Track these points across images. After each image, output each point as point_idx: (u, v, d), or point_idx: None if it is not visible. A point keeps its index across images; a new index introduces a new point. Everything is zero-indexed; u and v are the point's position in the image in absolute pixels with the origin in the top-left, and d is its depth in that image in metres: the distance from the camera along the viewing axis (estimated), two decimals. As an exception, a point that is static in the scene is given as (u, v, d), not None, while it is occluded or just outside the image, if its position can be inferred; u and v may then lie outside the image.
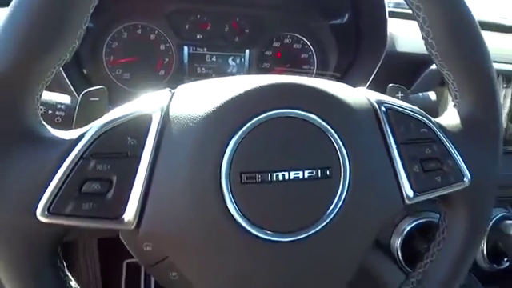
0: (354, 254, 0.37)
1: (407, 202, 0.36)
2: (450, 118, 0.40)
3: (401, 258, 0.78)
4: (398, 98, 0.43)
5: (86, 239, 1.20)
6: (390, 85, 0.45)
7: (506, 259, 0.84)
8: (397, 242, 0.79)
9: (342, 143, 0.34)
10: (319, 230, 0.33)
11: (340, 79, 0.74)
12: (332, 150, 0.34)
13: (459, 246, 0.40)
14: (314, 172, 0.33)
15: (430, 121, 0.38)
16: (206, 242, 0.32)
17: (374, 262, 0.82)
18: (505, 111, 0.82)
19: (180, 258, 0.34)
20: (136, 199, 0.31)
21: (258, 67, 0.78)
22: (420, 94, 0.55)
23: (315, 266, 0.34)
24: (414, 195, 0.36)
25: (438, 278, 0.40)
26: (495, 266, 0.84)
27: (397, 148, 0.36)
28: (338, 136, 0.34)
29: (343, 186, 0.33)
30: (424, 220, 0.78)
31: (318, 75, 0.79)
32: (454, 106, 0.41)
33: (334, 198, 0.33)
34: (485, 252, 0.82)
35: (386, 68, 0.67)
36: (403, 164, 0.36)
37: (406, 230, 0.78)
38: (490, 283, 0.83)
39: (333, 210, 0.33)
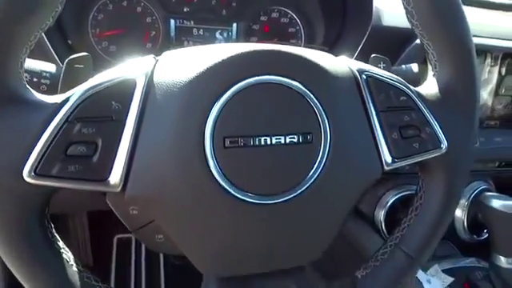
0: (334, 218, 0.38)
1: (386, 167, 0.38)
2: (429, 87, 0.42)
3: (384, 229, 0.80)
4: (380, 68, 0.44)
5: (76, 215, 1.22)
6: (373, 55, 0.45)
7: (485, 230, 0.86)
8: (380, 214, 0.81)
9: (323, 110, 0.35)
10: (300, 193, 0.34)
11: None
12: (313, 116, 0.34)
13: (435, 211, 0.42)
14: (296, 137, 0.34)
15: (410, 89, 0.39)
16: (190, 204, 0.33)
17: (359, 234, 0.84)
18: (490, 86, 0.84)
19: (165, 220, 0.35)
20: (121, 162, 0.31)
21: (245, 41, 0.78)
22: (403, 66, 0.56)
23: (295, 228, 0.36)
24: (393, 161, 0.38)
25: (415, 241, 0.42)
26: (475, 236, 0.86)
27: (376, 115, 0.37)
28: (320, 103, 0.35)
29: (324, 151, 0.35)
30: (407, 192, 0.80)
31: (306, 49, 0.80)
32: (434, 75, 0.42)
33: (315, 163, 0.34)
34: (465, 224, 0.85)
35: (371, 42, 0.67)
36: (382, 131, 0.37)
37: (390, 203, 0.80)
38: (468, 253, 0.86)
39: (313, 174, 0.34)
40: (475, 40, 0.41)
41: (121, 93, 0.32)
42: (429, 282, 0.72)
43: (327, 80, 0.36)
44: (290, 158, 0.34)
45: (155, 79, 0.33)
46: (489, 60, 0.80)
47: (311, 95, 0.34)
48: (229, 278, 0.38)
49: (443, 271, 0.78)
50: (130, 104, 0.32)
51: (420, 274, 0.74)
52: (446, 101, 0.40)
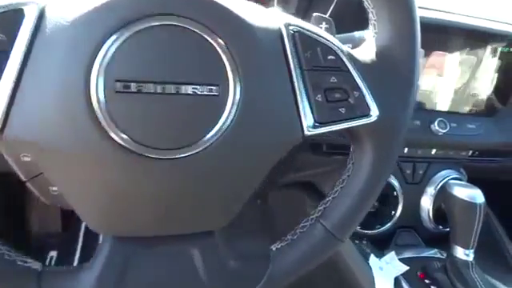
0: (244, 181, 0.35)
1: (307, 132, 0.34)
2: (366, 49, 0.38)
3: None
4: (321, 28, 0.40)
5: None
6: (315, 14, 0.42)
7: (451, 221, 0.83)
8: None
9: (234, 61, 0.31)
10: (201, 150, 0.31)
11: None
12: (222, 67, 0.31)
13: (361, 185, 0.38)
14: (199, 88, 0.30)
15: (340, 49, 0.35)
16: (74, 153, 0.30)
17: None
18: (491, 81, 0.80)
19: (51, 169, 0.32)
20: (2, 99, 0.28)
21: None
22: (355, 32, 0.51)
23: (196, 188, 0.33)
24: (315, 126, 0.34)
25: (336, 216, 0.39)
26: (440, 227, 0.84)
27: (300, 73, 0.34)
28: (231, 54, 0.31)
29: (232, 106, 0.31)
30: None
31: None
32: (373, 36, 0.38)
33: (220, 119, 0.31)
34: (431, 213, 0.82)
35: (343, 10, 0.64)
36: (306, 91, 0.34)
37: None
38: (433, 243, 0.83)
39: (218, 130, 0.31)
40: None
41: (7, 22, 0.29)
42: (381, 268, 0.70)
43: (243, 30, 0.32)
44: (192, 111, 0.31)
45: (47, 11, 0.30)
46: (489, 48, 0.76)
47: (223, 44, 0.31)
48: (124, 238, 0.35)
49: (402, 260, 0.75)
50: (15, 36, 0.29)
51: (372, 261, 0.71)
52: (381, 65, 0.37)
